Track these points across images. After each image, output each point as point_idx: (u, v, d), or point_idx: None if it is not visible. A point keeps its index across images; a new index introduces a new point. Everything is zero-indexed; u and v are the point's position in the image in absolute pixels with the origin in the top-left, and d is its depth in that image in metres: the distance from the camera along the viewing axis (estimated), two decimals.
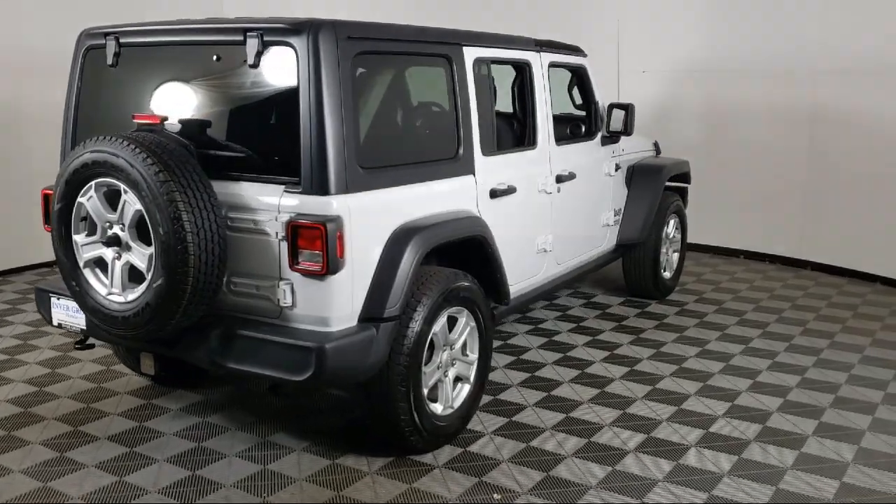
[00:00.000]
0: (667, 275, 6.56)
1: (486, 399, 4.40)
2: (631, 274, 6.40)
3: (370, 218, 3.50)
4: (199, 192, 3.27)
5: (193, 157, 3.37)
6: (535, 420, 4.22)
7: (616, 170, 5.80)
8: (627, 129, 5.44)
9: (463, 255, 4.07)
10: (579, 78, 5.49)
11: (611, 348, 5.32)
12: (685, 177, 6.81)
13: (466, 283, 3.87)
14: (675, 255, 6.72)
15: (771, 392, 4.61)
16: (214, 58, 3.62)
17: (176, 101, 3.74)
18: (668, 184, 6.54)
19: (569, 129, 5.71)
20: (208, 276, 3.30)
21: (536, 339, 5.45)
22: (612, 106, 5.45)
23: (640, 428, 4.13)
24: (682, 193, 6.87)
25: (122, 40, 3.79)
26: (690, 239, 7.91)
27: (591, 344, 5.39)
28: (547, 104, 4.85)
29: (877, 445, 3.96)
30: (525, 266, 4.71)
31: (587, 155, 5.39)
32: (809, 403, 4.45)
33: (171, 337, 3.51)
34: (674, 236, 6.62)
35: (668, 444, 3.96)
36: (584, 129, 5.63)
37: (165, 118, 3.53)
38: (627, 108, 5.41)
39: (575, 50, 5.35)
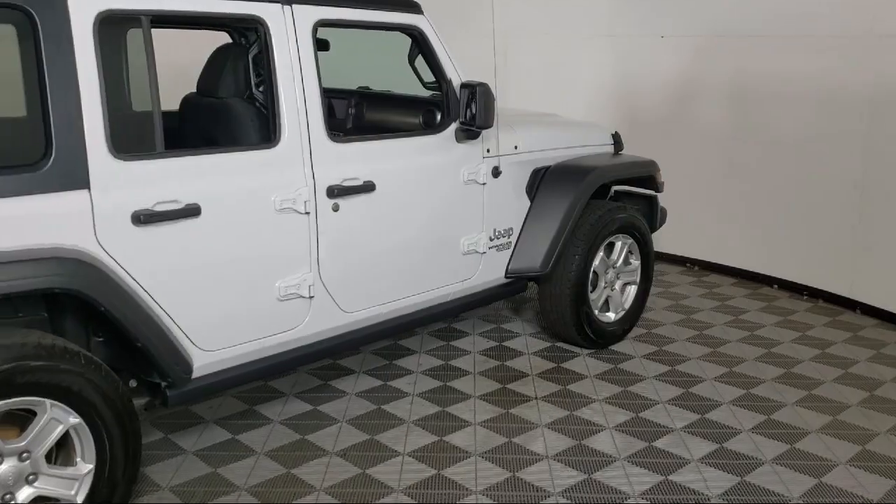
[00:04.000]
0: (609, 316, 4.77)
1: None
2: (548, 314, 4.70)
3: None
4: None
5: None
6: None
7: (497, 174, 4.11)
8: (477, 120, 3.74)
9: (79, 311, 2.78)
10: (417, 45, 3.83)
11: (446, 429, 3.74)
12: (650, 182, 4.95)
13: None
14: (632, 290, 4.90)
15: None
16: None
17: None
18: (634, 190, 4.83)
19: (421, 119, 4.09)
20: None
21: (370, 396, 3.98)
22: (463, 86, 3.78)
23: None
24: (652, 205, 5.02)
25: None
26: (709, 257, 6.05)
27: (430, 424, 3.82)
28: (307, 81, 3.28)
29: None
30: (251, 320, 3.22)
31: (419, 155, 3.76)
32: None
33: None
34: (627, 264, 4.81)
35: None
36: (423, 119, 4.02)
37: None
38: (475, 91, 3.72)
39: (397, 2, 3.70)
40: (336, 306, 3.48)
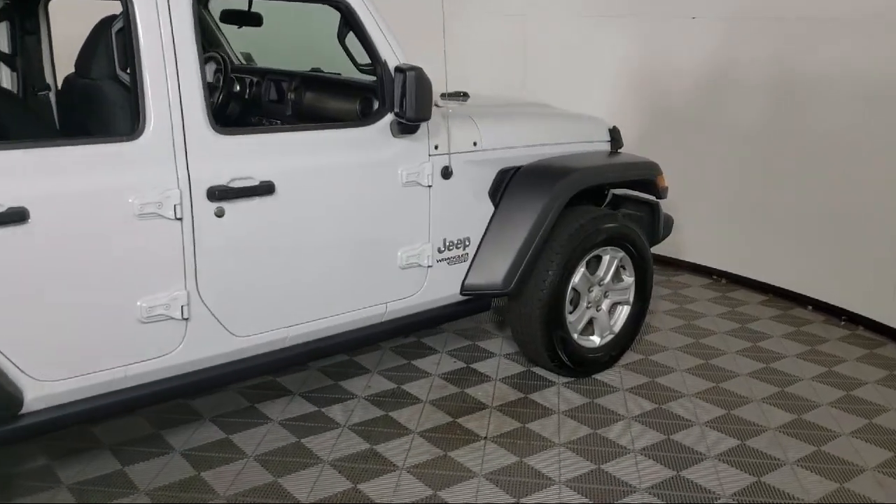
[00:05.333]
0: (593, 341, 4.11)
1: None
2: (518, 337, 4.08)
3: None
4: None
5: None
6: None
7: (448, 175, 3.49)
8: (407, 111, 3.13)
9: None
10: (344, 20, 3.23)
11: (364, 475, 3.18)
12: (651, 187, 4.26)
13: None
14: (624, 311, 4.22)
15: None
16: None
17: None
18: (633, 194, 4.28)
19: (358, 108, 3.50)
20: None
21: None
22: (396, 71, 3.16)
23: None
24: (653, 213, 4.32)
25: None
26: (738, 270, 5.33)
27: (348, 468, 3.27)
28: (183, 59, 2.73)
29: None
30: (104, 345, 2.71)
31: (338, 151, 3.17)
32: None
33: None
34: (619, 281, 4.14)
35: None
36: (360, 108, 3.43)
37: None
38: (405, 76, 3.10)
39: None
40: (223, 329, 2.94)
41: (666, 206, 5.54)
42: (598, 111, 5.64)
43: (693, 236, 5.75)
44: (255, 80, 4.07)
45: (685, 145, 5.63)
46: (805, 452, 3.46)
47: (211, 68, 4.00)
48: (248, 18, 3.88)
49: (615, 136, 4.31)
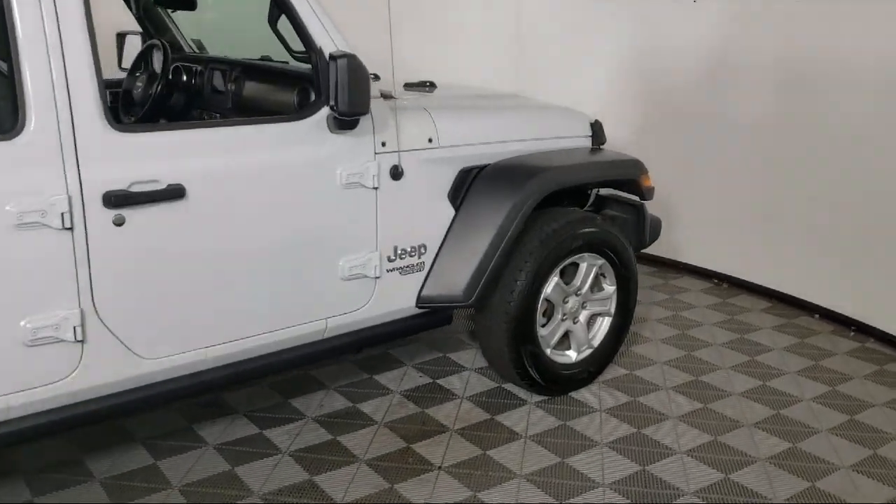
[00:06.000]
0: (569, 356, 3.74)
1: None
2: (486, 351, 3.73)
3: None
4: None
5: None
6: None
7: (398, 175, 3.12)
8: (339, 103, 2.77)
9: None
10: (276, 3, 2.87)
11: None
12: (634, 187, 3.87)
13: None
14: (604, 323, 3.84)
15: None
16: None
17: None
18: (619, 195, 3.92)
19: (296, 99, 3.14)
20: None
21: None
22: (330, 59, 2.79)
23: None
24: (638, 215, 3.93)
25: None
26: (741, 274, 5.04)
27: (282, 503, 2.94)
28: (70, 43, 2.38)
29: None
30: None
31: (263, 149, 2.81)
32: None
33: None
34: (599, 290, 3.77)
35: None
36: (298, 100, 3.08)
37: None
38: (336, 64, 2.74)
39: None
40: (127, 351, 2.60)
41: (664, 204, 5.15)
42: (594, 101, 5.27)
43: (693, 236, 5.35)
44: (200, 69, 3.72)
45: (686, 137, 5.22)
46: (797, 488, 3.07)
47: (159, 58, 3.68)
48: (182, 1, 3.54)
49: (597, 131, 3.92)
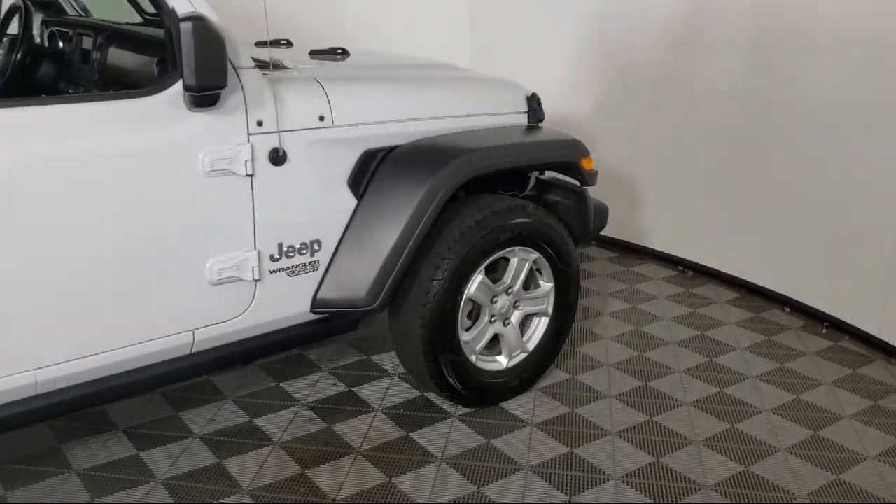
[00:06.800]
0: (499, 362, 3.29)
1: None
2: (402, 359, 3.27)
3: None
4: None
5: None
6: None
7: (280, 160, 2.65)
8: (185, 76, 2.29)
9: None
10: None
11: None
12: (573, 170, 3.40)
13: None
14: (541, 324, 3.39)
15: None
16: None
17: None
18: (561, 179, 3.45)
19: (156, 70, 2.66)
20: None
21: None
22: (181, 21, 2.30)
23: None
24: (580, 201, 3.46)
25: None
26: (709, 262, 4.68)
27: None
28: None
29: None
30: None
31: (96, 132, 2.33)
32: None
33: None
34: (535, 288, 3.31)
35: None
36: (158, 71, 2.59)
37: None
38: (179, 27, 2.25)
39: None
40: None
41: (628, 184, 4.70)
42: (551, 77, 4.80)
43: (658, 220, 4.90)
44: (71, 34, 3.23)
45: (650, 114, 4.75)
46: None
47: (24, 22, 3.18)
48: None
49: (534, 107, 3.43)
